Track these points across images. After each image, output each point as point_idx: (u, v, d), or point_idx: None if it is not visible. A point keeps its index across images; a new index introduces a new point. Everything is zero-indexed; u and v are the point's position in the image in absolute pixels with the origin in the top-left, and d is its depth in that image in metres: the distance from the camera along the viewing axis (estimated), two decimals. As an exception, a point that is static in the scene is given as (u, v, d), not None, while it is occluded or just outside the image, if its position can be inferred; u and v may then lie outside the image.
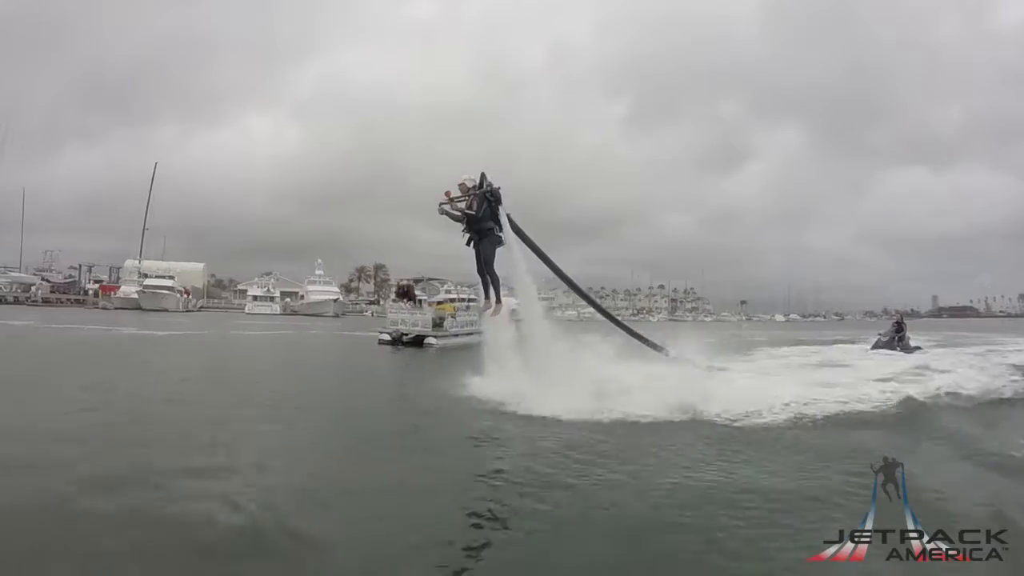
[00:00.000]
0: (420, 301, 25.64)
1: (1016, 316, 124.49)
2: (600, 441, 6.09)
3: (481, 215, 8.74)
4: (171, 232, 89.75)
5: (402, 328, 23.52)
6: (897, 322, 20.40)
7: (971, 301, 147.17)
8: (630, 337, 10.38)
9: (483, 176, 8.85)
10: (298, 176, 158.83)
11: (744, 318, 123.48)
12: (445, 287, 29.18)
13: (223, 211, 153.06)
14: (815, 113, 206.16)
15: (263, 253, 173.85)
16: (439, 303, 26.19)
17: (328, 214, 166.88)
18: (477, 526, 3.85)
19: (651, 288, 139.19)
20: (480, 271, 9.06)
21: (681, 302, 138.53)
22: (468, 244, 8.99)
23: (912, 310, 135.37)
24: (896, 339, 19.24)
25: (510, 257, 9.04)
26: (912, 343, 19.41)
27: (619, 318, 12.42)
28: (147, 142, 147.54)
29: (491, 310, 9.03)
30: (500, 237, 8.86)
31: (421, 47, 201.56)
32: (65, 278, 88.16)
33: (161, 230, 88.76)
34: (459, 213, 8.88)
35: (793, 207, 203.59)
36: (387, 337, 23.56)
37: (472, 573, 3.26)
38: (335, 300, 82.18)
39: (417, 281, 28.30)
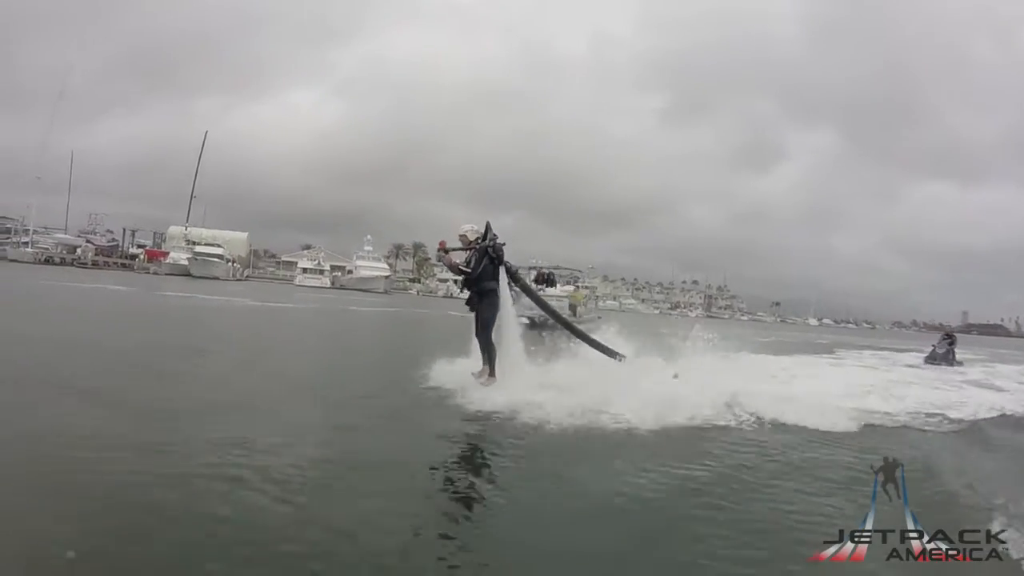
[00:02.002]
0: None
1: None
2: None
3: (479, 274, 7.60)
4: (209, 200, 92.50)
5: (542, 313, 23.97)
6: (947, 335, 20.20)
7: (1002, 319, 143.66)
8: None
9: (488, 227, 7.76)
10: (334, 151, 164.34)
11: (779, 320, 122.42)
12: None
13: (258, 182, 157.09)
14: (847, 117, 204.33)
15: (293, 224, 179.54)
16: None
17: (360, 189, 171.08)
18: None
19: (684, 283, 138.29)
20: (477, 334, 7.84)
21: (715, 299, 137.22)
22: (468, 304, 7.94)
23: (941, 324, 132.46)
24: (952, 354, 19.01)
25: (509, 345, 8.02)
26: (957, 358, 19.20)
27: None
28: (190, 112, 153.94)
29: (483, 379, 7.63)
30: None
31: (463, 31, 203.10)
32: (108, 241, 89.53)
33: (202, 198, 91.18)
34: (455, 268, 7.91)
35: (821, 209, 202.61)
36: (525, 320, 23.37)
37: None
38: (386, 277, 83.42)
39: (555, 269, 29.49)
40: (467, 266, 7.70)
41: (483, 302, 7.66)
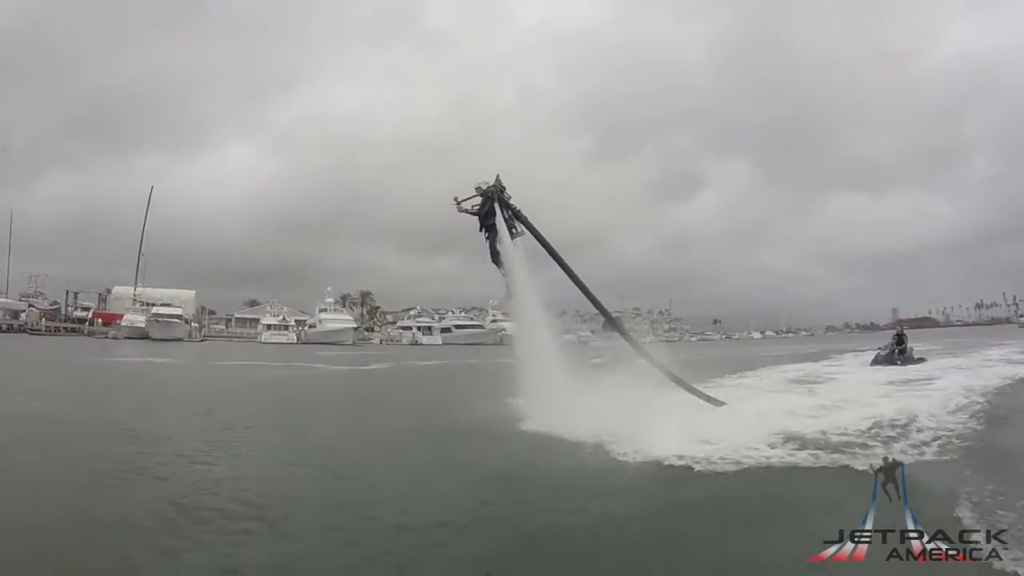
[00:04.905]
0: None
1: (972, 324, 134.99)
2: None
3: (485, 212, 9.56)
4: (149, 258, 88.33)
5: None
6: (898, 334, 19.96)
7: (929, 312, 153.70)
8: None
9: (498, 178, 9.60)
10: (273, 205, 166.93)
11: (724, 336, 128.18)
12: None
13: (196, 238, 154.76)
14: (757, 145, 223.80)
15: (233, 280, 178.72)
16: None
17: (301, 241, 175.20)
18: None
19: (624, 310, 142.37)
20: (492, 261, 9.75)
21: (658, 323, 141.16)
22: (487, 241, 9.73)
23: (872, 323, 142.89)
24: (897, 352, 18.89)
25: (510, 267, 9.53)
26: (915, 355, 19.22)
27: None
28: (129, 170, 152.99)
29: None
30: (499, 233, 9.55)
31: (397, 85, 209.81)
32: (50, 304, 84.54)
33: (143, 256, 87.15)
34: (467, 211, 9.75)
35: (744, 230, 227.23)
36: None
37: None
38: (355, 328, 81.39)
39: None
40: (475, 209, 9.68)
41: (490, 235, 9.60)
